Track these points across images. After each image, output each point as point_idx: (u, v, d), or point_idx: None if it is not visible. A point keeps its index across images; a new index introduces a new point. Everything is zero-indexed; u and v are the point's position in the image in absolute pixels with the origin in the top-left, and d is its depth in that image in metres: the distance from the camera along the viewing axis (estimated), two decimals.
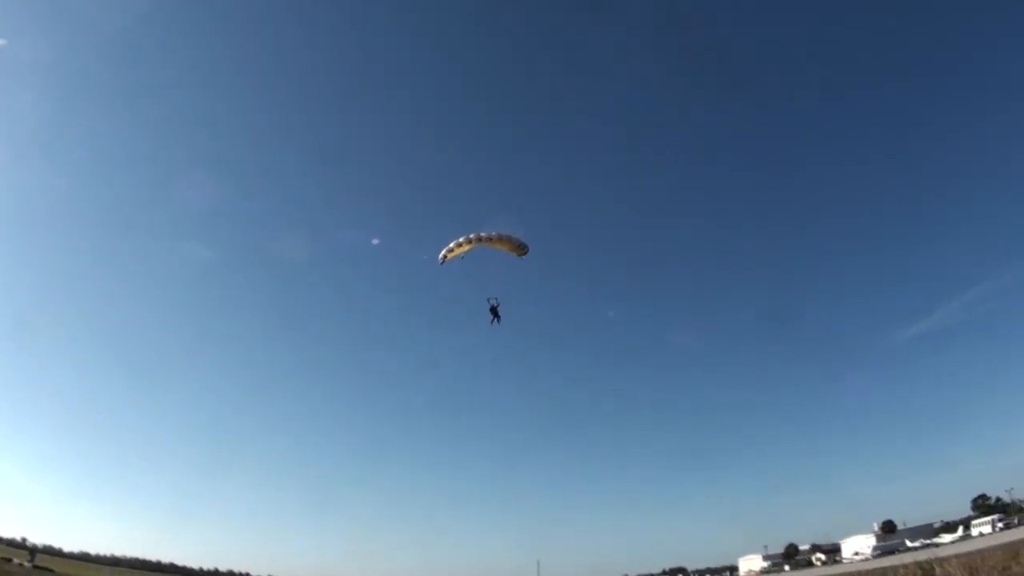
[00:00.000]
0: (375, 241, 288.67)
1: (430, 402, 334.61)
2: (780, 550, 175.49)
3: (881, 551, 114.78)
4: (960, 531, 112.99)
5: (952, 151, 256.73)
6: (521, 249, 43.21)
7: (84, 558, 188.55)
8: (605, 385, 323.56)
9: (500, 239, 42.79)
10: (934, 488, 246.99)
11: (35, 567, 79.59)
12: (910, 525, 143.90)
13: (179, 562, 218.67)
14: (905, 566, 31.86)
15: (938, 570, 27.96)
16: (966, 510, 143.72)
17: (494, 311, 46.53)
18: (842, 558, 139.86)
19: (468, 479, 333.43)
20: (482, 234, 42.88)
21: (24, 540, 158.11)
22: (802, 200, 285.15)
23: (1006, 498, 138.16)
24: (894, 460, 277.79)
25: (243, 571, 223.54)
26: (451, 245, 43.31)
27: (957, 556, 30.83)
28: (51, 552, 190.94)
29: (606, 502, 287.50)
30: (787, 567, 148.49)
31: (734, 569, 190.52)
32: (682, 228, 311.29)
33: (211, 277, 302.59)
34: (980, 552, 33.29)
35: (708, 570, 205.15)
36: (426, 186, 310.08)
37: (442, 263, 43.71)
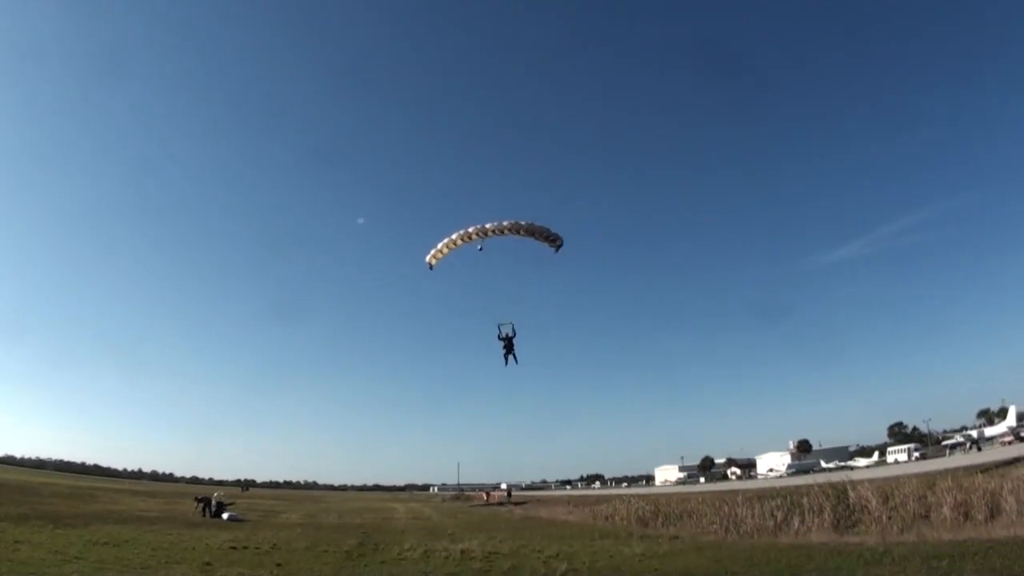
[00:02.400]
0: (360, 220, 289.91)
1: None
2: (696, 462, 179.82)
3: (796, 469, 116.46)
4: (876, 456, 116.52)
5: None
6: (555, 241, 28.31)
7: (8, 461, 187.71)
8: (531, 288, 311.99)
9: (529, 229, 27.99)
10: (852, 413, 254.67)
11: None
12: (826, 447, 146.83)
13: (104, 464, 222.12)
14: (819, 485, 30.62)
15: (851, 492, 27.34)
16: (883, 437, 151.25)
17: (508, 344, 27.19)
18: (757, 474, 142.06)
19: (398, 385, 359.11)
20: (504, 224, 27.99)
21: None
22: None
23: (923, 428, 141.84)
24: (812, 382, 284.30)
25: (166, 471, 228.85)
26: (446, 241, 28.73)
27: (871, 480, 31.55)
28: None
29: (528, 409, 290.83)
30: (702, 479, 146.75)
31: (650, 478, 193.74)
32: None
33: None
34: (895, 478, 33.27)
35: (626, 478, 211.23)
36: None
37: (432, 267, 29.29)
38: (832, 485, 28.95)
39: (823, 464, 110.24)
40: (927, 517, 23.26)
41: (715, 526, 29.48)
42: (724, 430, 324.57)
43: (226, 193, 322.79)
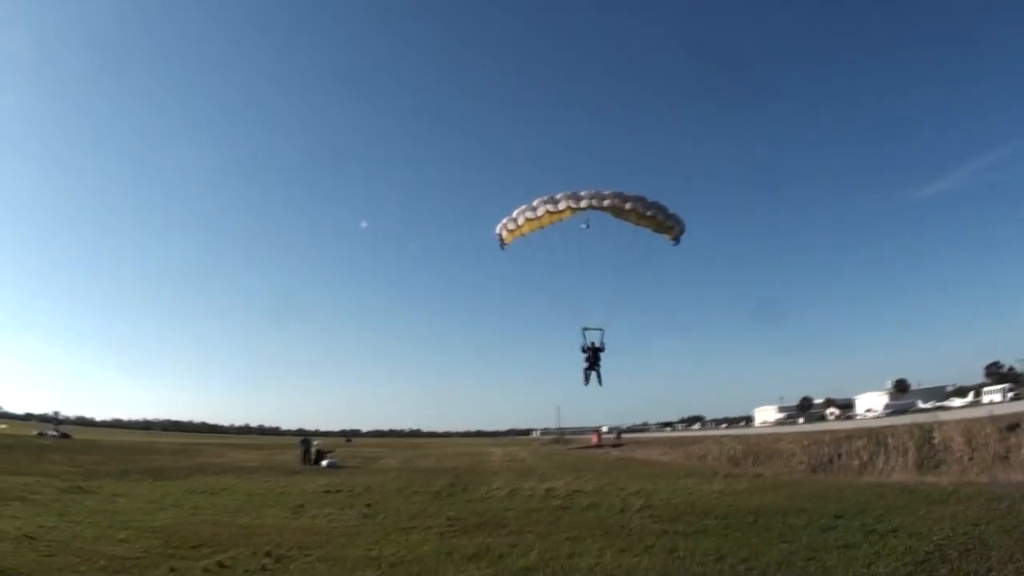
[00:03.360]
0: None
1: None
2: (795, 403, 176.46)
3: (893, 409, 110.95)
4: (971, 396, 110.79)
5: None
6: (672, 229, 22.04)
7: (116, 424, 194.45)
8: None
9: (638, 207, 21.41)
10: (950, 352, 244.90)
11: (63, 436, 78.58)
12: (924, 386, 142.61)
13: (211, 420, 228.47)
14: (906, 425, 30.33)
15: (936, 433, 26.50)
16: (979, 377, 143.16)
17: (594, 357, 21.12)
18: (855, 414, 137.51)
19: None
20: (604, 195, 21.41)
21: (56, 414, 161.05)
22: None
23: (1020, 368, 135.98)
24: (912, 322, 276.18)
25: (273, 425, 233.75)
26: (527, 214, 22.40)
27: (957, 421, 29.69)
28: (83, 423, 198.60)
29: (628, 351, 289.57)
30: (801, 420, 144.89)
31: (750, 419, 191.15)
32: None
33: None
34: (982, 419, 30.02)
35: (725, 419, 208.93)
36: None
37: (504, 246, 23.38)
38: (919, 425, 28.49)
39: (919, 404, 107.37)
40: (1006, 458, 22.81)
41: (802, 465, 29.67)
42: (824, 370, 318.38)
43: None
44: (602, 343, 22.59)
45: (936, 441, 26.19)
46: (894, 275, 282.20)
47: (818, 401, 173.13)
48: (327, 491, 24.85)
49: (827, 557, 10.77)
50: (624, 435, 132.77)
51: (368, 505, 20.37)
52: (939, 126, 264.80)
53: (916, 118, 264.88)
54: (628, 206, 21.76)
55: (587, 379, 23.01)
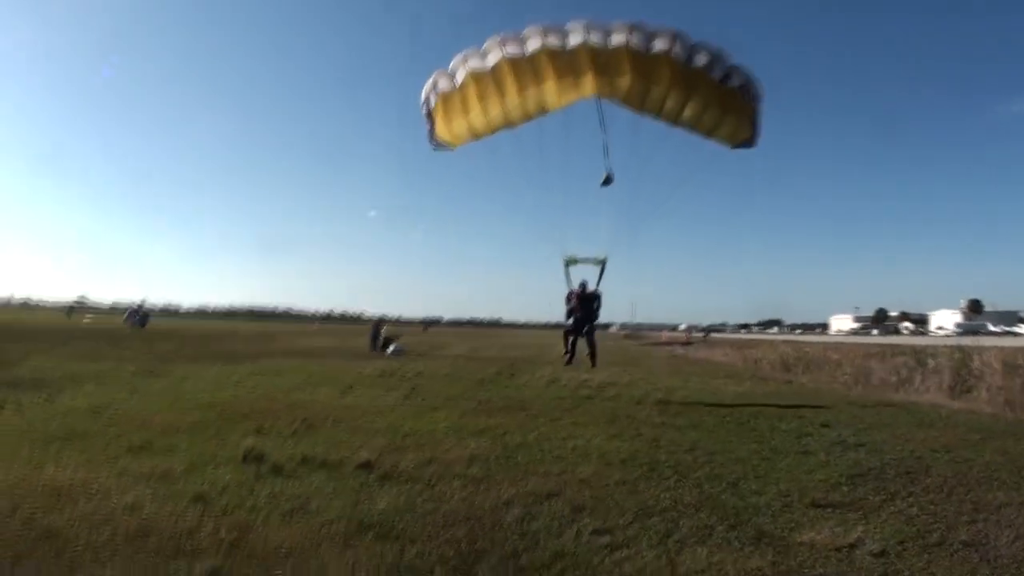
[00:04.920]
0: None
1: None
2: (871, 314, 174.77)
3: (963, 330, 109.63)
4: None
5: None
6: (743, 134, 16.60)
7: (201, 313, 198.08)
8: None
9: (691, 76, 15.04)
10: None
11: (142, 323, 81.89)
12: (1000, 309, 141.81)
13: (295, 308, 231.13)
14: (948, 347, 30.51)
15: (976, 358, 25.95)
16: None
17: (582, 311, 19.43)
18: (928, 330, 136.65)
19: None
20: (630, 39, 14.50)
21: (142, 302, 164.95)
22: None
23: None
24: (994, 241, 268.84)
25: (355, 312, 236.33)
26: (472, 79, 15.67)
27: (1002, 348, 28.75)
28: (168, 312, 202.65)
29: (710, 249, 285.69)
30: (875, 331, 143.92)
31: (826, 327, 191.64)
32: None
33: None
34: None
35: (803, 325, 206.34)
36: None
37: (437, 146, 17.49)
38: (960, 348, 28.23)
39: (990, 327, 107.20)
40: None
41: (846, 376, 30.14)
42: (904, 282, 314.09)
43: None
44: (598, 288, 18.53)
45: (974, 366, 25.73)
46: (984, 193, 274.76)
47: (893, 314, 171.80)
48: (380, 374, 26.31)
49: (781, 459, 11.64)
50: (712, 335, 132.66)
51: (413, 388, 21.65)
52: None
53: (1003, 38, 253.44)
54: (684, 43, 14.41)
55: (569, 346, 19.94)
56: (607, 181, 16.69)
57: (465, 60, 15.53)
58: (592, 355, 20.78)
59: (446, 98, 16.10)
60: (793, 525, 7.96)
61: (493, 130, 16.40)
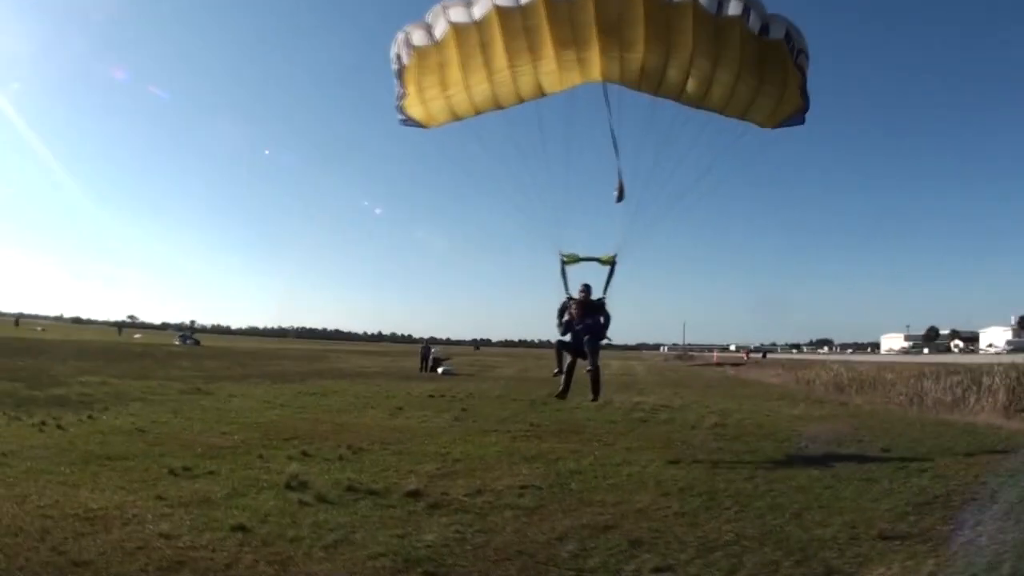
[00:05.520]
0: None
1: None
2: (921, 332, 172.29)
3: (1014, 347, 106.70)
4: None
5: None
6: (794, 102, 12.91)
7: (252, 332, 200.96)
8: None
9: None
10: None
11: (193, 342, 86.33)
12: None
13: (344, 328, 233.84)
14: (1004, 367, 28.06)
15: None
16: None
17: (583, 323, 14.27)
18: (978, 348, 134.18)
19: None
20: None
21: (192, 323, 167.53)
22: None
23: None
24: None
25: (406, 334, 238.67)
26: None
27: None
28: (219, 331, 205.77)
29: (760, 271, 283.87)
30: (926, 350, 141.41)
31: (876, 346, 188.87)
32: None
33: None
34: None
35: (853, 344, 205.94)
36: None
37: (407, 121, 14.37)
38: (1015, 366, 27.29)
39: None
40: None
41: (901, 396, 29.14)
42: (953, 300, 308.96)
43: None
44: (604, 295, 14.19)
45: None
46: None
47: (944, 332, 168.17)
48: (431, 396, 25.96)
49: (844, 487, 11.04)
50: (768, 355, 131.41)
51: (464, 410, 21.36)
52: None
53: None
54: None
55: (564, 367, 14.64)
56: (621, 195, 13.79)
57: (445, 9, 12.43)
58: (594, 383, 14.86)
59: (422, 56, 13.00)
60: (862, 559, 7.37)
61: (478, 111, 13.82)
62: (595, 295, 14.28)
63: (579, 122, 15.03)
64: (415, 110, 13.90)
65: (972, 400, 25.43)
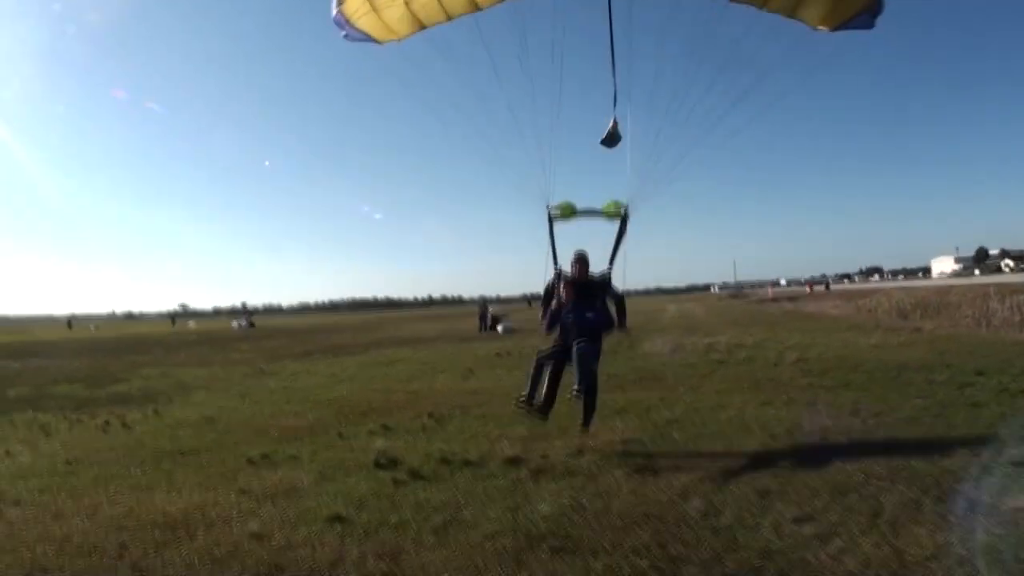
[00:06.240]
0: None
1: None
2: (971, 253, 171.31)
3: None
4: None
5: None
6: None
7: (303, 309, 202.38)
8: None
9: None
10: None
11: (250, 325, 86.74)
12: None
13: (395, 296, 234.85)
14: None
15: None
16: None
17: (575, 303, 9.84)
18: None
19: None
20: None
21: (244, 305, 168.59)
22: None
23: None
24: None
25: (456, 295, 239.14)
26: None
27: None
28: (271, 310, 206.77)
29: (806, 201, 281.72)
30: (977, 271, 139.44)
31: (927, 271, 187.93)
32: None
33: None
34: None
35: (903, 271, 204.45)
36: None
37: (350, 34, 10.59)
38: None
39: None
40: None
41: (967, 319, 29.16)
42: (1000, 217, 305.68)
43: None
44: (610, 268, 10.16)
45: None
46: None
47: (993, 252, 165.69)
48: (497, 354, 25.50)
49: (955, 415, 10.55)
50: (832, 286, 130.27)
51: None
52: None
53: None
54: None
55: (543, 381, 10.05)
56: (611, 139, 10.14)
57: None
58: (587, 407, 10.01)
59: None
60: (999, 489, 6.79)
61: (450, 16, 10.19)
62: (597, 269, 10.21)
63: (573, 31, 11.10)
64: (364, 20, 10.20)
65: None
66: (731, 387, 14.52)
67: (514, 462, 8.79)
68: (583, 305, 9.84)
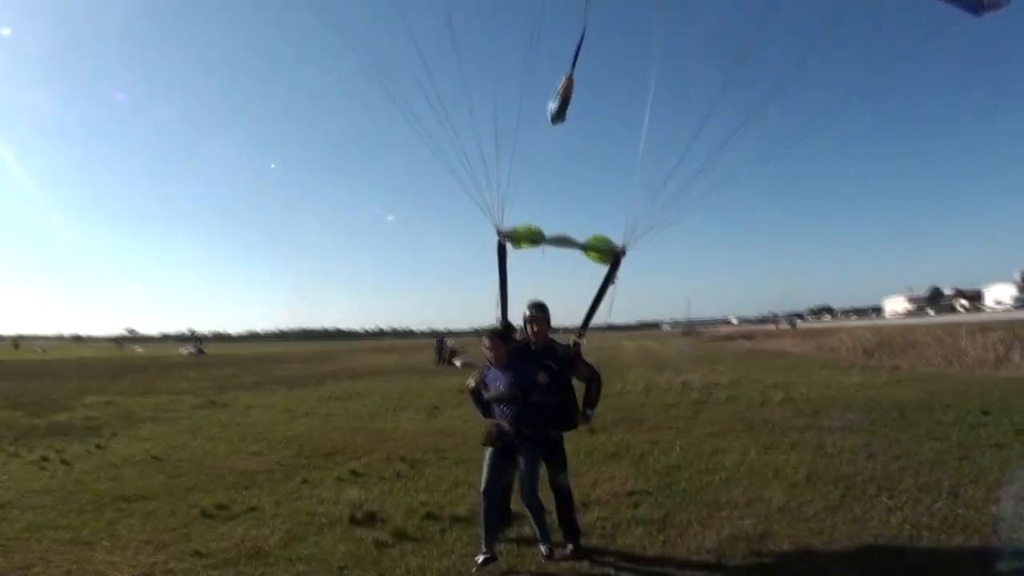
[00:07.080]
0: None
1: None
2: (924, 293, 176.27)
3: (1022, 303, 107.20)
4: None
5: None
6: None
7: (252, 337, 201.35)
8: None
9: None
10: None
11: (201, 352, 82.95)
12: None
13: (343, 326, 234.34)
14: (1009, 322, 33.47)
15: None
16: None
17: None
18: (983, 306, 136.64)
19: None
20: None
21: (192, 332, 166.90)
22: None
23: None
24: None
25: (405, 327, 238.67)
26: None
27: None
28: (220, 338, 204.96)
29: (754, 241, 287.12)
30: (930, 311, 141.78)
31: (878, 310, 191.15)
32: None
33: None
34: None
35: (854, 310, 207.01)
36: None
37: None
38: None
39: None
40: None
41: (938, 358, 28.91)
42: (951, 259, 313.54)
43: None
44: (581, 334, 7.41)
45: None
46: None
47: (947, 292, 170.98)
48: (461, 391, 24.12)
49: (980, 456, 10.19)
50: (752, 327, 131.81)
51: None
52: None
53: None
54: None
55: (493, 553, 6.40)
56: (560, 113, 7.36)
57: None
58: (570, 523, 6.95)
59: None
60: None
61: None
62: (557, 329, 7.44)
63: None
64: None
65: (1017, 356, 25.29)
66: (723, 429, 13.76)
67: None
68: (530, 385, 6.69)
